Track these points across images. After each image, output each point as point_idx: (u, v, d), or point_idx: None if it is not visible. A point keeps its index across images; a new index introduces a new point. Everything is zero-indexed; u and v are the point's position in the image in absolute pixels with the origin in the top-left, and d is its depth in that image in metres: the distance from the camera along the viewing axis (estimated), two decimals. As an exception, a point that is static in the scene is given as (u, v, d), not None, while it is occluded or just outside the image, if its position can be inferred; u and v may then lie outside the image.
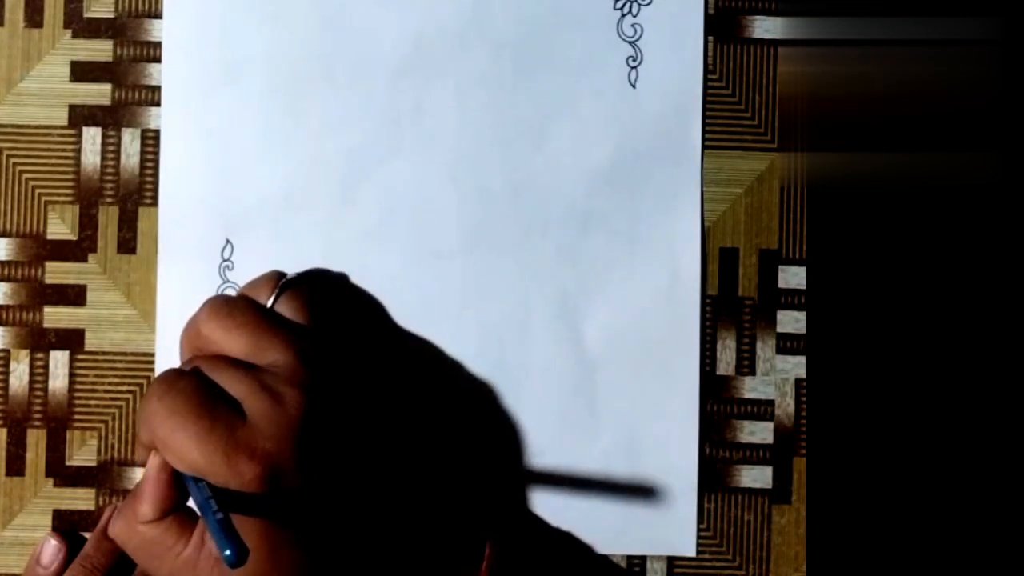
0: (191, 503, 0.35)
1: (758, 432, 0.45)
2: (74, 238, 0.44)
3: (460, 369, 0.44)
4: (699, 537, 0.44)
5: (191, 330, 0.38)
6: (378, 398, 0.43)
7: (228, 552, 0.32)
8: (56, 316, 0.44)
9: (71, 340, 0.44)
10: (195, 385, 0.35)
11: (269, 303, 0.39)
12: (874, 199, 0.38)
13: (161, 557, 0.35)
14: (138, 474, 0.44)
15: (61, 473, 0.44)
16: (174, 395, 0.35)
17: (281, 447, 0.34)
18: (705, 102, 0.45)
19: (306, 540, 0.36)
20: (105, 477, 0.44)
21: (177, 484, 0.35)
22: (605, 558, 0.44)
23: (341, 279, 0.44)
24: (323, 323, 0.39)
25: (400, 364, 0.44)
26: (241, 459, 0.34)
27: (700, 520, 0.44)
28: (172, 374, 0.36)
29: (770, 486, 0.44)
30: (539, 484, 0.44)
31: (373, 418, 0.43)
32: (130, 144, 0.45)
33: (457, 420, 0.44)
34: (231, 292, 0.44)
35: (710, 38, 0.45)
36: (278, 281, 0.39)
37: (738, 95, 0.45)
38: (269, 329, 0.37)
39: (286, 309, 0.38)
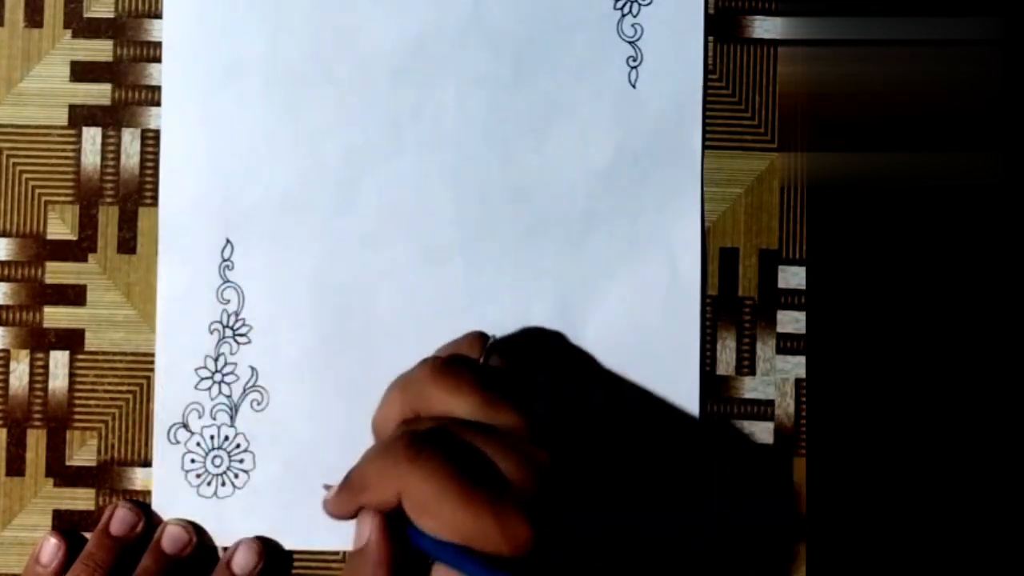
0: None
1: (758, 432, 0.45)
2: (74, 238, 0.44)
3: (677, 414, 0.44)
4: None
5: (410, 391, 0.36)
6: (581, 434, 0.43)
7: None
8: (56, 316, 0.44)
9: (71, 340, 0.44)
10: (448, 448, 0.33)
11: (481, 361, 0.38)
12: (874, 199, 0.38)
13: None
14: (138, 474, 0.44)
15: (61, 473, 0.44)
16: (429, 456, 0.33)
17: (545, 507, 0.33)
18: (705, 102, 0.45)
19: None
20: (105, 477, 0.44)
21: (399, 550, 0.34)
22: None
23: (538, 335, 0.44)
24: (530, 380, 0.39)
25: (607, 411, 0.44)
26: (516, 523, 0.32)
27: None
28: (417, 435, 0.34)
29: (770, 486, 0.44)
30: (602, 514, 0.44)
31: (594, 467, 0.43)
32: (130, 144, 0.45)
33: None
34: (232, 292, 0.44)
35: (710, 38, 0.45)
36: (484, 341, 0.39)
37: (738, 95, 0.45)
38: (495, 389, 0.36)
39: (495, 365, 0.38)
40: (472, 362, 0.37)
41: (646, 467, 0.44)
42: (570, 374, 0.44)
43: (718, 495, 0.44)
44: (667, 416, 0.44)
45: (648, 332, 0.44)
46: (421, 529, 0.33)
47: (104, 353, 0.44)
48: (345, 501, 0.35)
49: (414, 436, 0.34)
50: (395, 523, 0.34)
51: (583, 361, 0.44)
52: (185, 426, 0.44)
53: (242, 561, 0.42)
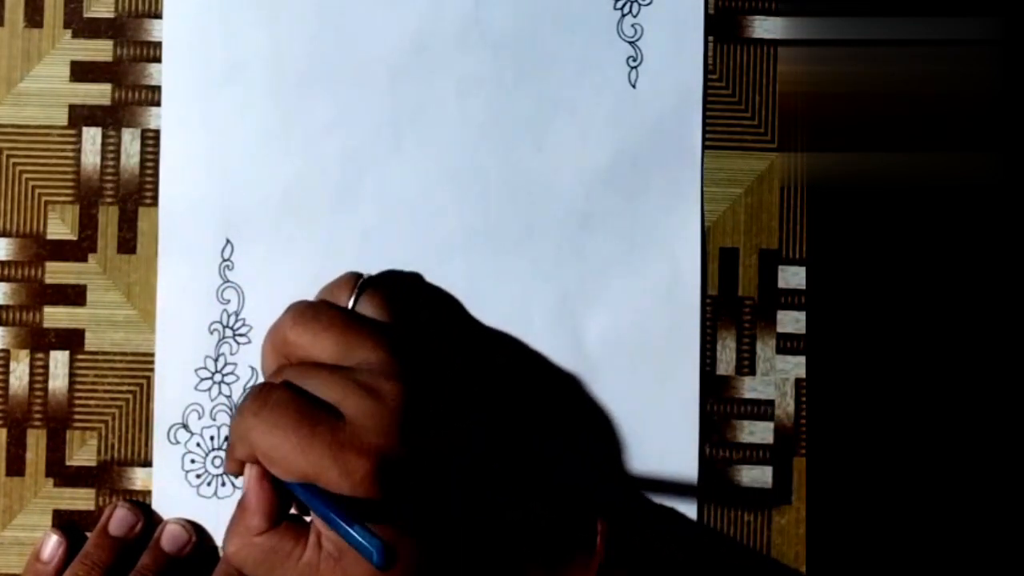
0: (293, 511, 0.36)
1: (758, 432, 0.45)
2: (74, 238, 0.44)
3: (539, 359, 0.44)
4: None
5: (276, 338, 0.37)
6: (464, 387, 0.43)
7: (374, 552, 0.32)
8: (56, 316, 0.44)
9: (71, 340, 0.44)
10: (289, 395, 0.35)
11: (350, 304, 0.38)
12: (874, 199, 0.38)
13: (282, 565, 0.35)
14: (138, 474, 0.44)
15: (61, 473, 0.44)
16: (270, 408, 0.35)
17: (387, 440, 0.34)
18: (705, 102, 0.45)
19: (420, 532, 0.35)
20: (105, 477, 0.44)
21: (280, 492, 0.35)
22: (712, 535, 0.44)
23: (415, 278, 0.44)
24: (403, 320, 0.39)
25: (478, 355, 0.44)
26: (350, 458, 0.33)
27: (700, 520, 0.44)
28: (263, 387, 0.36)
29: (770, 486, 0.44)
30: (539, 484, 0.44)
31: (465, 407, 0.43)
32: (130, 144, 0.45)
33: (543, 407, 0.44)
34: (232, 292, 0.44)
35: (710, 38, 0.45)
36: (356, 282, 0.39)
37: (738, 95, 0.45)
38: (356, 329, 0.37)
39: (367, 309, 0.38)
40: (333, 305, 0.38)
41: (526, 421, 0.44)
42: (451, 317, 0.44)
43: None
44: (606, 376, 0.44)
45: (648, 332, 0.44)
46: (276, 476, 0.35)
47: (104, 353, 0.44)
48: (230, 460, 0.37)
49: (259, 388, 0.36)
50: None
51: (458, 305, 0.44)
52: (185, 426, 0.44)
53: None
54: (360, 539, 0.32)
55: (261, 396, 0.35)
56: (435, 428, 0.36)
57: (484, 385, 0.44)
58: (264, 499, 0.36)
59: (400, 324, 0.38)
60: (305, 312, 0.37)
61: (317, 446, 0.34)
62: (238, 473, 0.37)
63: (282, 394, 0.35)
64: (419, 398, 0.36)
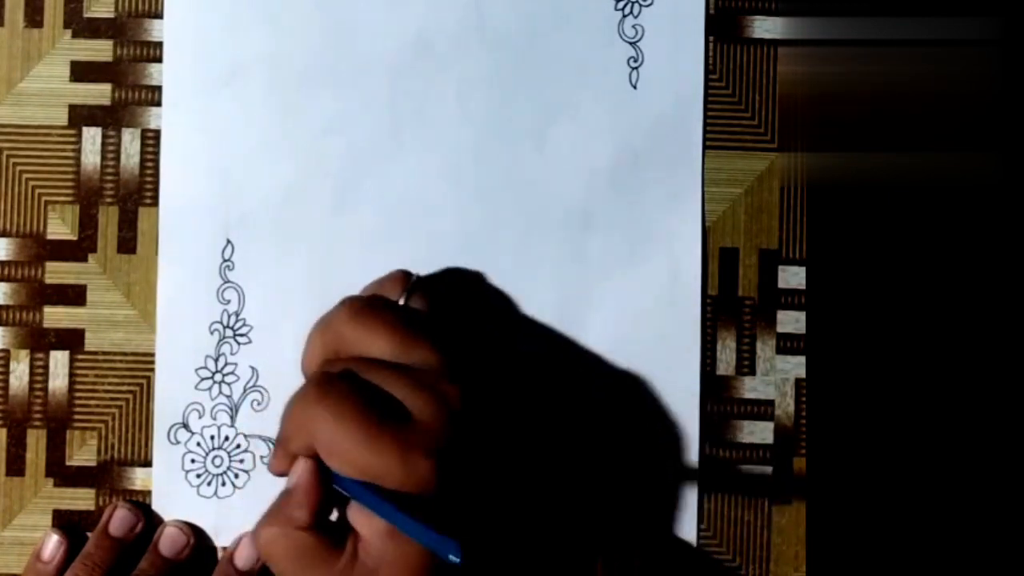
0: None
1: (758, 432, 0.45)
2: (74, 238, 0.44)
3: (599, 363, 0.44)
4: (699, 537, 0.44)
5: (328, 332, 0.36)
6: (515, 391, 0.43)
7: (450, 550, 0.31)
8: (56, 316, 0.44)
9: (71, 340, 0.44)
10: (353, 387, 0.34)
11: (401, 301, 0.38)
12: (874, 199, 0.38)
13: (313, 567, 0.34)
14: (138, 474, 0.44)
15: (61, 473, 0.44)
16: (335, 399, 0.33)
17: (449, 443, 0.34)
18: (705, 102, 0.45)
19: (463, 534, 0.34)
20: (105, 477, 0.44)
21: (327, 492, 0.34)
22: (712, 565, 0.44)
23: (469, 276, 0.44)
24: (451, 318, 0.38)
25: (530, 358, 0.44)
26: (416, 458, 0.33)
27: (700, 520, 0.44)
28: (324, 377, 0.35)
29: (770, 486, 0.44)
30: (531, 484, 0.44)
31: (514, 413, 0.43)
32: (130, 144, 0.45)
33: (543, 407, 0.44)
34: (232, 292, 0.44)
35: (710, 38, 0.45)
36: (406, 279, 0.39)
37: (738, 95, 0.45)
38: (414, 328, 0.36)
39: (416, 305, 0.38)
40: (388, 302, 0.37)
41: (570, 415, 0.44)
42: (497, 317, 0.44)
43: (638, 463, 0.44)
44: (593, 369, 0.44)
45: (648, 332, 0.44)
46: (332, 469, 0.34)
47: (104, 353, 0.44)
48: (280, 455, 0.36)
49: (321, 379, 0.34)
50: (325, 467, 0.34)
51: (509, 304, 0.44)
52: (185, 426, 0.44)
53: (245, 555, 0.42)
54: (436, 539, 0.32)
55: (323, 386, 0.34)
56: (488, 430, 0.36)
57: (528, 388, 0.43)
58: (314, 493, 0.34)
59: (450, 322, 0.38)
60: (363, 308, 0.36)
61: (385, 443, 0.33)
62: (284, 472, 0.35)
63: (346, 386, 0.34)
64: (476, 402, 0.35)
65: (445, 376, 0.35)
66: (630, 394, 0.44)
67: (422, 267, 0.44)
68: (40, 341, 0.44)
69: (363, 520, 0.34)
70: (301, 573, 0.34)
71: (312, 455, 0.34)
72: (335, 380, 0.34)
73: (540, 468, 0.43)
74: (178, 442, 0.44)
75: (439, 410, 0.34)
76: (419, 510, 0.33)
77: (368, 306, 0.36)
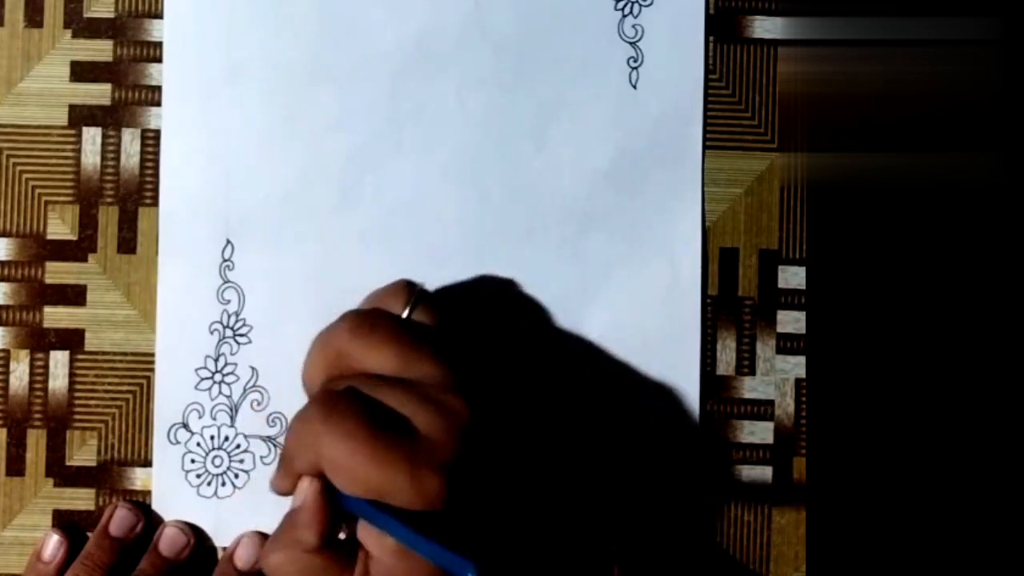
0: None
1: (758, 432, 0.45)
2: (74, 238, 0.44)
3: (599, 363, 0.44)
4: (699, 537, 0.44)
5: (328, 348, 0.36)
6: (519, 398, 0.43)
7: (463, 568, 0.31)
8: (56, 316, 0.44)
9: (71, 340, 0.44)
10: (358, 405, 0.33)
11: (404, 314, 0.37)
12: (874, 199, 0.38)
13: None
14: (138, 474, 0.44)
15: (61, 473, 0.44)
16: (339, 417, 0.33)
17: (457, 458, 0.33)
18: (705, 102, 0.45)
19: (472, 550, 0.34)
20: (105, 477, 0.44)
21: (334, 511, 0.34)
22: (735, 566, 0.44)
23: (471, 282, 0.43)
24: (454, 328, 0.38)
25: (530, 358, 0.43)
26: (425, 475, 0.32)
27: (700, 521, 0.44)
28: (328, 395, 0.34)
29: (770, 486, 0.45)
30: (539, 492, 0.44)
31: (518, 418, 0.43)
32: (130, 144, 0.45)
33: (543, 408, 0.43)
34: (232, 292, 0.44)
35: (710, 38, 0.45)
36: (410, 291, 0.38)
37: (738, 95, 0.45)
38: (417, 342, 0.35)
39: (421, 317, 0.37)
40: (389, 315, 0.36)
41: (580, 426, 0.43)
42: (497, 319, 0.43)
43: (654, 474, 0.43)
44: (592, 369, 0.44)
45: (648, 332, 0.44)
46: (339, 489, 0.33)
47: (104, 353, 0.44)
48: (283, 475, 0.35)
49: (324, 397, 0.34)
50: (332, 486, 0.34)
51: (518, 315, 0.43)
52: (185, 426, 0.44)
53: (245, 555, 0.42)
54: (449, 557, 0.31)
55: (327, 404, 0.33)
56: (496, 440, 0.35)
57: (530, 392, 0.43)
58: (321, 514, 0.33)
59: (453, 333, 0.37)
60: (363, 323, 0.35)
61: (393, 460, 0.32)
62: (289, 492, 0.35)
63: (352, 403, 0.33)
64: (482, 413, 0.34)
65: (451, 389, 0.34)
66: (630, 394, 0.44)
67: (422, 266, 0.44)
68: (40, 341, 0.44)
69: (373, 538, 0.33)
70: None
71: (317, 474, 0.34)
72: (339, 398, 0.34)
73: (547, 474, 0.43)
74: (178, 442, 0.44)
75: (446, 424, 0.33)
76: (430, 527, 0.32)
77: (368, 321, 0.36)
